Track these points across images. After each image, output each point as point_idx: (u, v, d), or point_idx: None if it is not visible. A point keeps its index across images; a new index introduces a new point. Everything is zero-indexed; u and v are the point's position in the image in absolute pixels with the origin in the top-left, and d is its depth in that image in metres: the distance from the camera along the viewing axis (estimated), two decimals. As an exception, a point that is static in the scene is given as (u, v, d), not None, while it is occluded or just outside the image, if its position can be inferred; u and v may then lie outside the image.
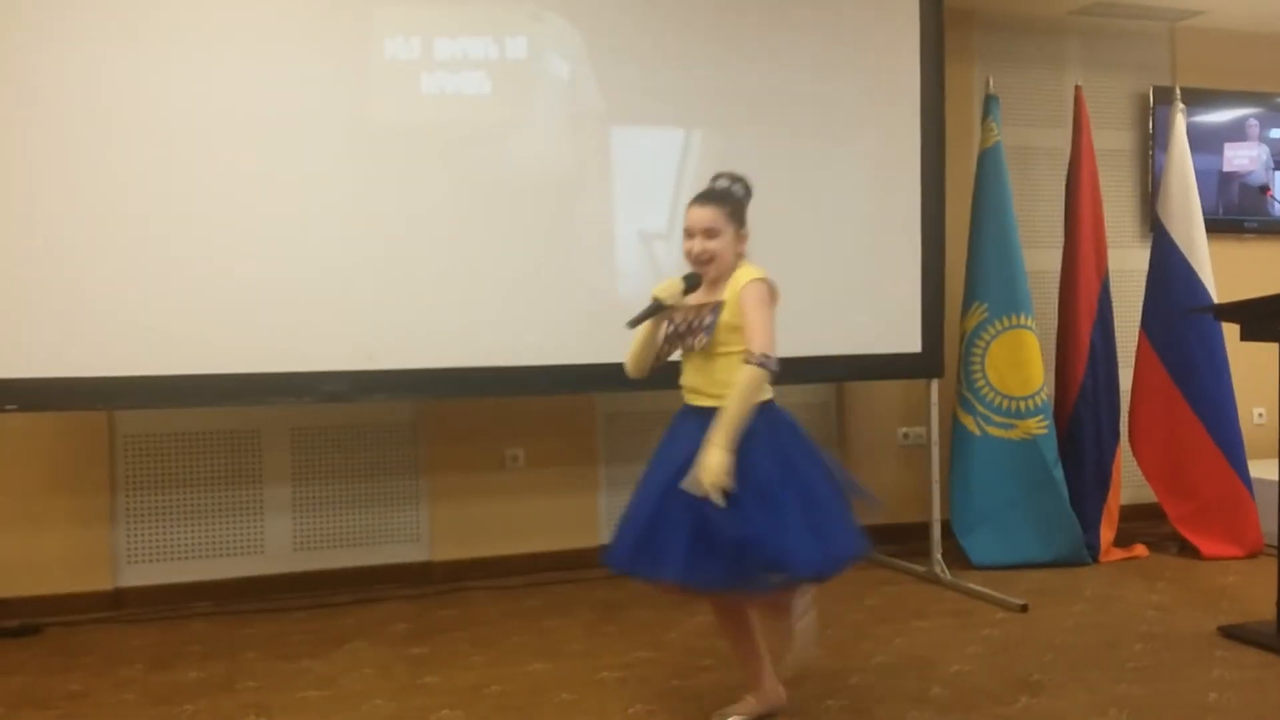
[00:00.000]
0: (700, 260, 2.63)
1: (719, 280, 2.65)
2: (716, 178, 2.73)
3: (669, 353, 2.73)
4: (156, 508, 3.99)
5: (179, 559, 4.01)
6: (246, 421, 4.06)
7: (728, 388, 2.52)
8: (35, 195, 3.29)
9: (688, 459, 2.47)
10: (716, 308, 2.61)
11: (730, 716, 2.75)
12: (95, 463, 3.90)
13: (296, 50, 3.53)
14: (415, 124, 3.66)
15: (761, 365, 2.50)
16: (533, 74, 3.78)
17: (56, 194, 3.31)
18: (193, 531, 4.03)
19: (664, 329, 2.69)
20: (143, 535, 3.98)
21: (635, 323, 2.65)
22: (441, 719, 2.87)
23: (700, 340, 2.60)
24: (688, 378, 2.67)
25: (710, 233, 2.62)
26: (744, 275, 2.62)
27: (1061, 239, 4.74)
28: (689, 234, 2.64)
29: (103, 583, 3.91)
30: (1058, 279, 4.74)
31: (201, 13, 3.43)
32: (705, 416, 2.53)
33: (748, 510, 2.44)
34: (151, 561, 3.99)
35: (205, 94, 3.43)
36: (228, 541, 4.07)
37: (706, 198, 2.67)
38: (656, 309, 2.65)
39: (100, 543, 3.91)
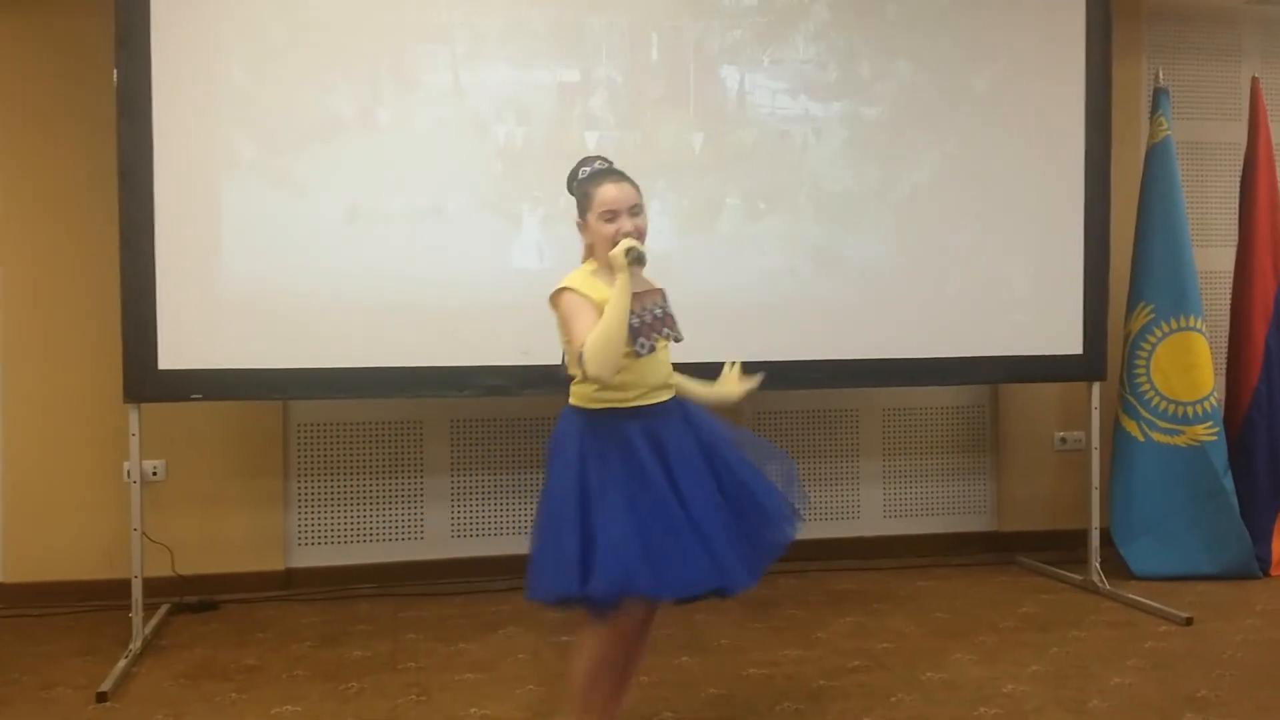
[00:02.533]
0: (638, 239, 2.37)
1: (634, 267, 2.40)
2: (592, 160, 2.50)
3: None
4: (325, 493, 4.20)
5: (345, 542, 4.21)
6: (410, 413, 4.23)
7: (673, 375, 2.47)
8: (224, 200, 3.49)
9: (692, 460, 2.38)
10: (664, 295, 2.47)
11: None
12: (271, 450, 4.12)
13: (486, 52, 3.65)
14: (578, 123, 3.74)
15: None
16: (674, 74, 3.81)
17: (244, 199, 3.49)
18: (358, 516, 4.22)
19: (632, 318, 2.35)
20: (312, 519, 4.19)
21: (639, 263, 2.35)
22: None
23: (677, 331, 2.46)
24: (647, 374, 2.39)
25: (635, 210, 2.40)
26: (649, 277, 2.48)
27: (1236, 238, 4.53)
28: (611, 215, 2.37)
29: (275, 563, 4.13)
30: (1230, 279, 4.53)
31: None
32: (679, 410, 2.44)
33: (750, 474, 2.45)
34: (320, 544, 4.20)
35: (382, 100, 3.58)
36: (390, 527, 4.25)
37: (623, 175, 2.44)
38: (642, 259, 2.36)
39: (274, 525, 4.13)
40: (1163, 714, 2.88)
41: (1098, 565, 4.14)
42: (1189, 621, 3.67)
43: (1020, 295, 4.08)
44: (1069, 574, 4.23)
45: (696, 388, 2.56)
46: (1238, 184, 4.55)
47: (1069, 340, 4.13)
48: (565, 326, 2.35)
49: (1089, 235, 4.10)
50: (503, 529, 4.34)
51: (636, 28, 3.77)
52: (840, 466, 4.63)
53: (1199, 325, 4.31)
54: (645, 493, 2.30)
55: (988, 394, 4.77)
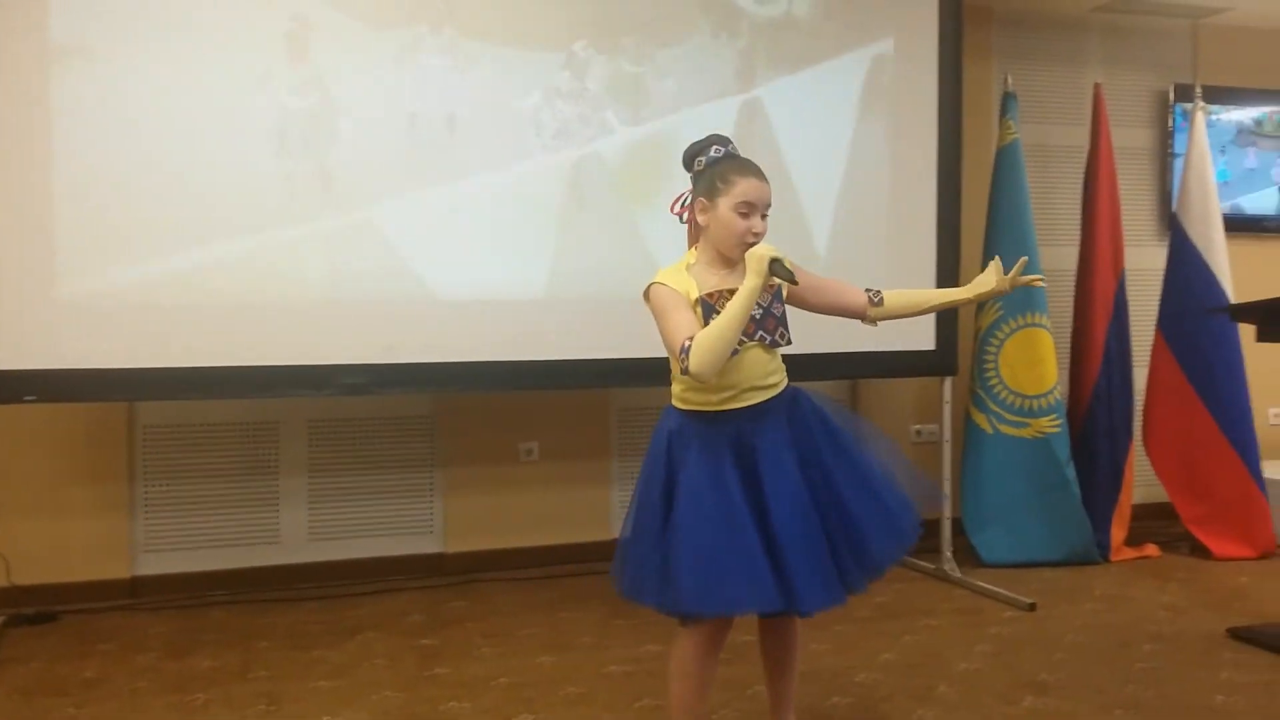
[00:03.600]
0: (755, 244, 2.28)
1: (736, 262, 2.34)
2: (724, 141, 2.39)
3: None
4: (175, 498, 4.04)
5: (196, 548, 4.06)
6: (265, 413, 4.11)
7: (781, 373, 2.38)
8: (58, 193, 3.33)
9: (783, 467, 2.29)
10: (777, 293, 2.37)
11: None
12: (115, 453, 3.95)
13: (328, 44, 3.56)
14: (442, 123, 3.68)
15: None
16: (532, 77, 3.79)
17: (80, 191, 3.35)
18: (210, 521, 4.08)
19: (711, 316, 2.29)
20: (161, 524, 4.03)
21: (781, 278, 2.26)
22: (449, 710, 2.91)
23: (779, 333, 2.36)
24: (738, 376, 2.30)
25: (767, 212, 2.33)
26: (769, 251, 2.32)
27: (1078, 238, 4.72)
28: (749, 210, 2.28)
29: (120, 571, 3.96)
30: (1074, 278, 4.73)
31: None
32: (784, 409, 2.35)
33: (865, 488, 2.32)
34: (169, 551, 4.04)
35: (219, 94, 3.46)
36: (244, 531, 4.11)
37: (762, 172, 2.34)
38: (791, 277, 2.27)
39: (118, 531, 3.96)
40: (1005, 698, 2.99)
41: (949, 554, 4.28)
42: (1033, 607, 3.82)
43: (876, 293, 4.18)
44: (923, 563, 4.36)
45: (944, 296, 2.60)
46: (1081, 186, 4.74)
47: (923, 337, 4.25)
48: (659, 322, 2.27)
49: (941, 234, 4.23)
50: (364, 530, 4.26)
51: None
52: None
53: (1044, 322, 4.49)
54: (715, 504, 2.23)
55: (847, 389, 4.88)
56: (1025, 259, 2.55)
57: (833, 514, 2.29)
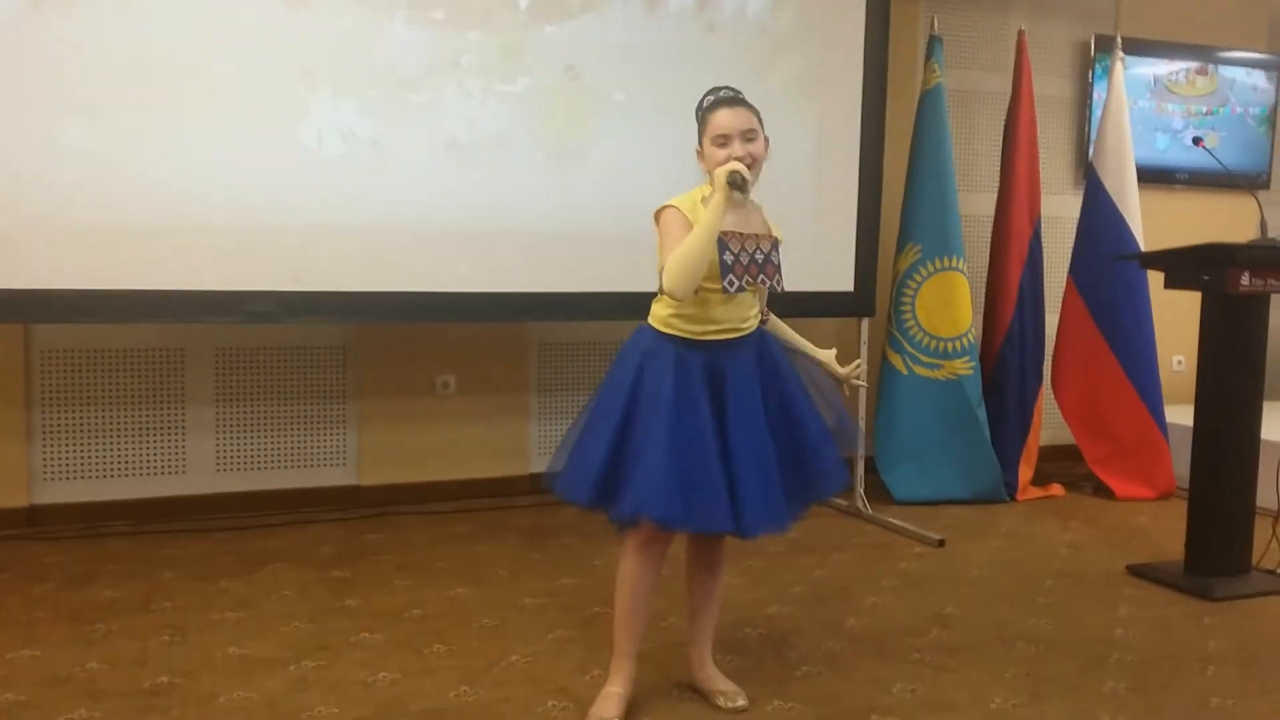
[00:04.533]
0: (750, 164, 2.34)
1: (749, 204, 2.41)
2: (719, 89, 2.43)
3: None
4: (75, 425, 3.91)
5: (97, 477, 3.94)
6: (170, 340, 3.98)
7: (755, 315, 2.45)
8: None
9: (749, 399, 2.36)
10: (775, 245, 2.45)
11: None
12: (10, 377, 3.79)
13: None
14: (363, 50, 3.55)
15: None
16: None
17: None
18: (112, 450, 3.95)
19: (726, 254, 2.33)
20: (60, 452, 3.90)
21: (737, 188, 2.27)
22: (360, 641, 2.87)
23: (777, 279, 2.42)
24: (728, 314, 2.37)
25: (750, 135, 2.35)
26: (772, 224, 2.50)
27: (997, 184, 4.77)
28: (724, 140, 2.33)
29: (17, 499, 3.83)
30: (991, 223, 4.78)
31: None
32: (754, 346, 2.42)
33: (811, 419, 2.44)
34: (69, 479, 3.91)
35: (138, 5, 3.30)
36: (148, 461, 4.00)
37: (738, 100, 2.39)
38: (743, 186, 2.29)
39: (15, 459, 3.82)
40: (911, 631, 3.05)
41: (862, 492, 4.34)
42: (941, 543, 3.90)
43: (797, 234, 4.14)
44: (836, 500, 4.42)
45: (800, 343, 2.63)
46: (1001, 132, 4.78)
47: (841, 278, 4.27)
48: (658, 241, 2.36)
49: (863, 177, 4.24)
50: (275, 462, 4.17)
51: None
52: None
53: (961, 266, 4.54)
54: (687, 423, 2.29)
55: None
56: (860, 363, 2.75)
57: (786, 447, 2.38)
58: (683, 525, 2.34)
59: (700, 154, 2.43)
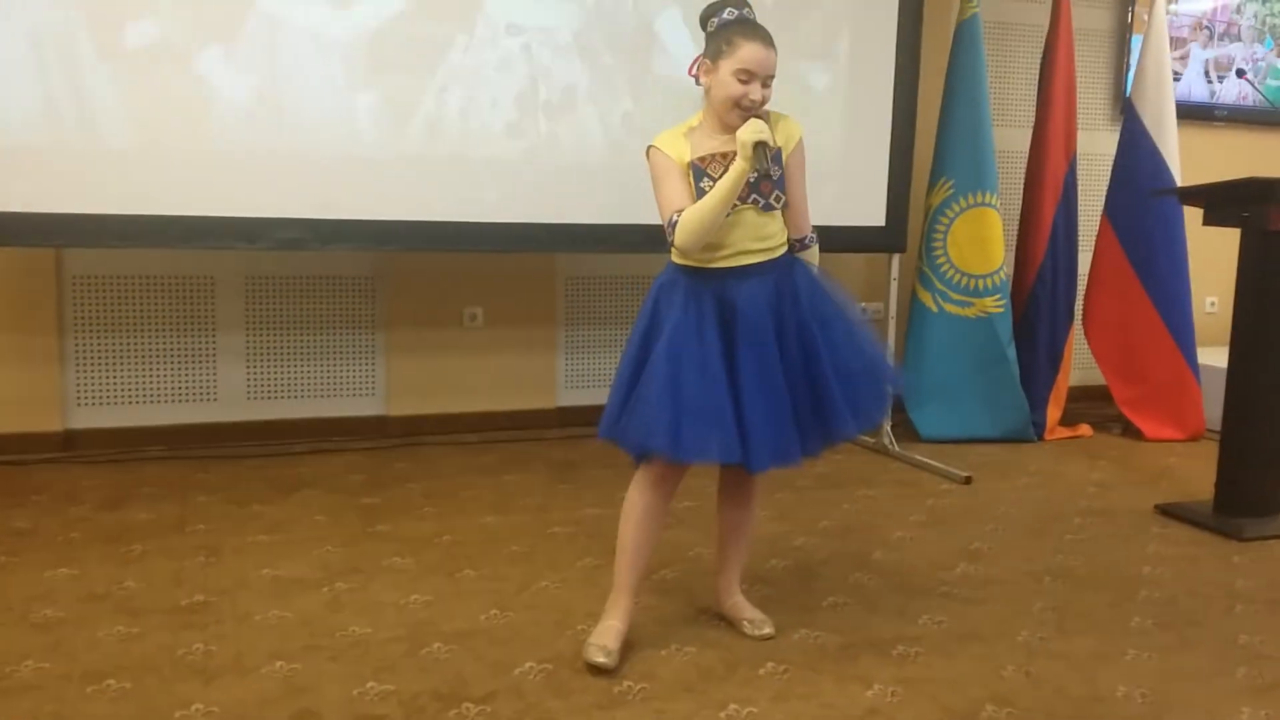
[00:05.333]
0: (752, 112, 2.27)
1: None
2: (740, 5, 2.32)
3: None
4: (107, 351, 3.94)
5: (131, 403, 3.98)
6: (200, 267, 3.99)
7: (780, 237, 2.36)
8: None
9: (761, 329, 2.29)
10: (776, 156, 2.32)
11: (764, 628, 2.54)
12: (42, 303, 3.82)
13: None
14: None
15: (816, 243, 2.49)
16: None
17: (6, 22, 3.15)
18: (145, 376, 3.99)
19: (703, 181, 2.30)
20: (93, 378, 3.94)
21: (763, 170, 2.21)
22: (392, 565, 2.91)
23: (774, 196, 2.32)
24: (732, 237, 2.30)
25: (769, 80, 2.29)
26: (792, 126, 2.38)
27: (1033, 118, 4.69)
28: (747, 77, 2.25)
29: (53, 424, 3.87)
30: (1025, 159, 4.71)
31: None
32: (775, 274, 2.33)
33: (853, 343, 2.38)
34: (103, 405, 3.95)
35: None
36: (180, 387, 4.03)
37: (770, 39, 2.29)
38: (766, 154, 2.22)
39: (50, 384, 3.86)
40: (938, 565, 3.05)
41: (889, 429, 4.33)
42: (968, 480, 3.90)
43: (829, 167, 4.13)
44: (864, 437, 4.41)
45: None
46: (1038, 66, 4.69)
47: (873, 212, 4.23)
48: (653, 187, 2.33)
49: (897, 110, 4.17)
50: (304, 391, 4.20)
51: None
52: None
53: (994, 201, 4.48)
54: (693, 354, 2.25)
55: (795, 264, 4.84)
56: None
57: (802, 383, 2.32)
58: (688, 457, 2.29)
59: (706, 69, 2.30)
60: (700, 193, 2.27)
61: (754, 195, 2.31)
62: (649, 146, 2.35)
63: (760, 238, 2.33)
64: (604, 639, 2.36)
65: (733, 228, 2.30)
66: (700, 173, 2.29)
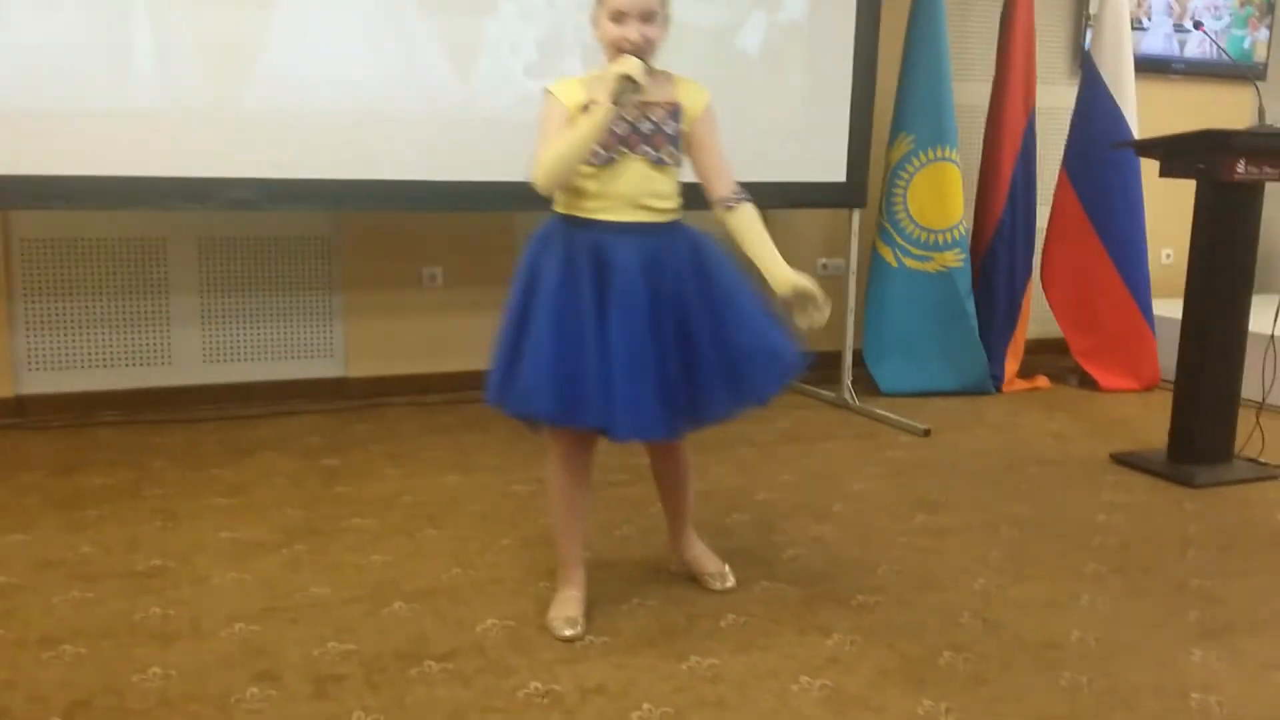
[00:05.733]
0: (640, 50, 2.17)
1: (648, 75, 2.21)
2: None
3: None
4: (58, 315, 3.87)
5: (84, 368, 3.92)
6: (151, 229, 3.91)
7: (671, 200, 2.27)
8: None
9: (635, 292, 2.17)
10: (675, 112, 2.25)
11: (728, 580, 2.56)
12: (-10, 267, 3.75)
13: None
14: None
15: (748, 201, 2.35)
16: None
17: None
18: (97, 340, 3.92)
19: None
20: (44, 343, 3.87)
21: (617, 102, 2.13)
22: (353, 526, 2.89)
23: (667, 151, 2.24)
24: (617, 187, 2.21)
25: (648, 17, 2.18)
26: (698, 90, 2.31)
27: (993, 73, 4.69)
28: (621, 17, 2.17)
29: (3, 389, 3.81)
30: (985, 114, 4.71)
31: None
32: (662, 238, 2.23)
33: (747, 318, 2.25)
34: (55, 370, 3.89)
35: None
36: (134, 351, 3.97)
37: None
38: (633, 90, 2.15)
39: (-1, 349, 3.80)
40: (897, 515, 3.08)
41: (849, 383, 4.36)
42: (927, 433, 3.93)
43: (789, 123, 4.12)
44: (823, 391, 4.43)
45: (760, 249, 2.32)
46: (997, 20, 4.68)
47: (833, 168, 4.22)
48: (539, 128, 2.23)
49: (857, 64, 4.15)
50: (261, 353, 4.15)
51: None
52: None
53: (954, 157, 4.48)
54: (569, 311, 2.15)
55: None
56: (819, 301, 2.29)
57: (674, 357, 2.20)
58: (562, 421, 2.21)
59: (593, 20, 2.24)
60: (610, 132, 2.18)
61: (644, 147, 2.22)
62: (545, 89, 2.25)
63: (649, 194, 2.23)
64: (567, 610, 2.33)
65: (618, 177, 2.20)
66: None
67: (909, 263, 4.54)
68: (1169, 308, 4.58)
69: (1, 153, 3.18)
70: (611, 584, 2.55)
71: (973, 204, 4.72)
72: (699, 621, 2.37)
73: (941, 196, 4.49)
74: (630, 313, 2.17)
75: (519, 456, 3.54)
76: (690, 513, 2.60)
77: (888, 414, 4.14)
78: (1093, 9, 4.94)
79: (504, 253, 4.38)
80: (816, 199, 4.29)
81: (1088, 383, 4.76)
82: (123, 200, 3.36)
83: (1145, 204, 4.66)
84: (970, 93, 4.88)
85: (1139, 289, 4.65)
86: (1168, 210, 4.73)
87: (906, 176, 4.51)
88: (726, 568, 2.58)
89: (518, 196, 3.74)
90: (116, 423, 3.82)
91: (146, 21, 3.27)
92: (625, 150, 2.21)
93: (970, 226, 4.68)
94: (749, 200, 2.36)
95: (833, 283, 4.76)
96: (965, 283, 4.52)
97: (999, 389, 4.62)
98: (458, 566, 2.63)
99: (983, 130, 4.72)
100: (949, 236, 4.50)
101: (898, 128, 4.54)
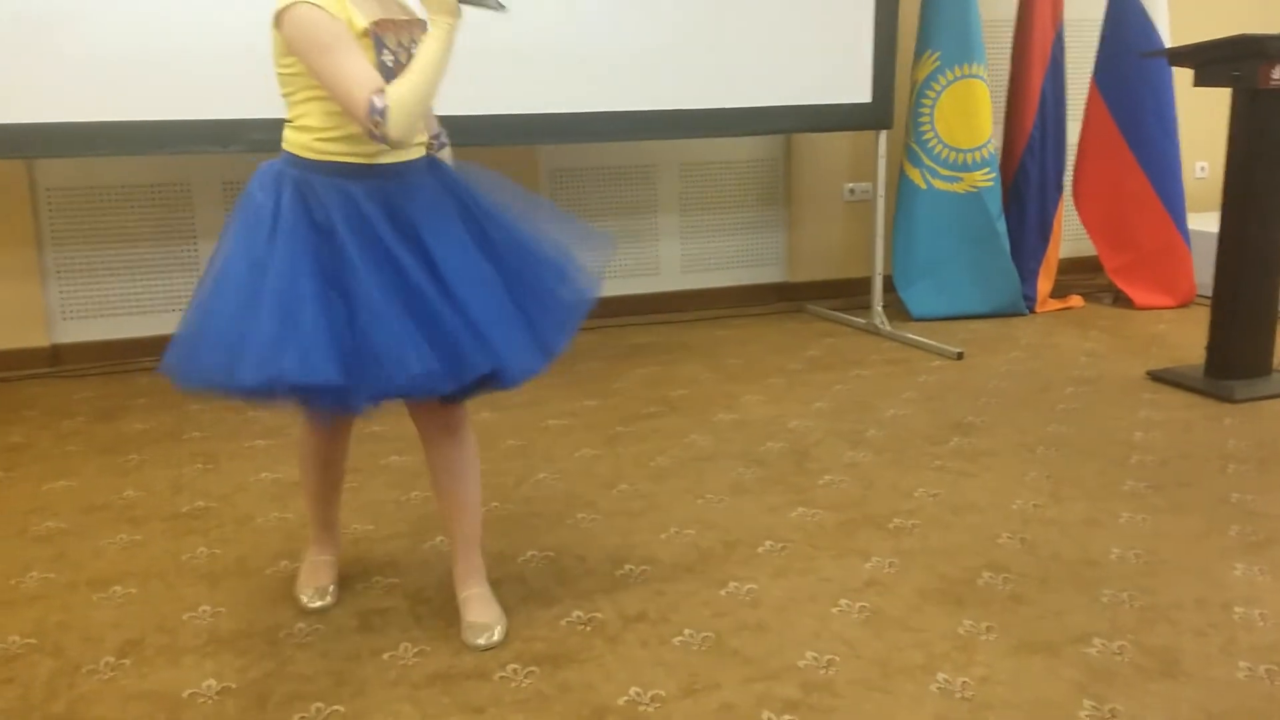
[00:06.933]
0: None
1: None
2: None
3: None
4: (88, 264, 3.88)
5: (117, 315, 3.93)
6: (176, 174, 3.91)
7: (426, 133, 2.01)
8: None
9: (449, 229, 1.91)
10: (424, 29, 1.89)
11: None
12: (17, 217, 3.74)
13: None
14: None
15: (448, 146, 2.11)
16: None
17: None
18: (129, 287, 3.93)
19: (384, 54, 1.85)
20: (76, 291, 3.89)
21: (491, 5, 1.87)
22: (389, 464, 2.92)
23: None
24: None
25: None
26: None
27: (1019, -15, 4.57)
28: None
29: (38, 339, 3.83)
30: (1012, 27, 4.61)
31: None
32: (430, 171, 1.98)
33: (465, 293, 1.87)
34: (89, 318, 3.91)
35: None
36: (167, 298, 3.98)
37: None
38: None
39: (32, 299, 3.81)
40: (931, 439, 3.08)
41: (880, 309, 4.33)
42: (960, 356, 3.90)
43: (811, 44, 4.03)
44: (853, 318, 4.41)
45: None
46: (1024, -70, 4.56)
47: (859, 89, 4.15)
48: (317, 60, 1.77)
49: (880, -26, 4.06)
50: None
51: None
52: (639, 223, 4.60)
53: (981, 73, 4.39)
54: (382, 270, 1.82)
55: (781, 147, 4.78)
56: None
57: (519, 273, 1.96)
58: (409, 391, 1.86)
59: None
60: (384, 67, 1.82)
61: None
62: (292, 6, 1.76)
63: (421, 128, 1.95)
64: (315, 579, 2.16)
65: None
66: (380, 42, 1.84)
67: (938, 184, 4.47)
68: (1204, 222, 4.50)
69: (23, 101, 3.17)
70: (650, 514, 2.57)
71: (1001, 121, 4.63)
72: (736, 548, 2.39)
73: (969, 114, 4.41)
74: (457, 246, 1.90)
75: (552, 390, 3.54)
76: (476, 532, 2.10)
77: (919, 338, 4.11)
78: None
79: (528, 185, 4.36)
80: (842, 121, 4.22)
81: (1122, 300, 4.69)
82: (145, 145, 3.34)
83: (1178, 115, 4.56)
84: (997, 6, 4.76)
85: (1174, 203, 4.57)
86: (1201, 121, 4.63)
87: (933, 95, 4.43)
88: (498, 626, 2.02)
89: (539, 129, 3.73)
90: (153, 368, 3.83)
91: (160, -37, 3.23)
92: None
93: (999, 144, 4.60)
94: (449, 145, 2.17)
95: (861, 209, 4.74)
96: (995, 203, 4.45)
97: (1032, 310, 4.57)
98: (496, 500, 2.65)
99: (1010, 45, 4.61)
100: (978, 156, 4.42)
101: (923, 45, 4.44)
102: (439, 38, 1.82)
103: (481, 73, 3.58)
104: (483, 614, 2.04)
